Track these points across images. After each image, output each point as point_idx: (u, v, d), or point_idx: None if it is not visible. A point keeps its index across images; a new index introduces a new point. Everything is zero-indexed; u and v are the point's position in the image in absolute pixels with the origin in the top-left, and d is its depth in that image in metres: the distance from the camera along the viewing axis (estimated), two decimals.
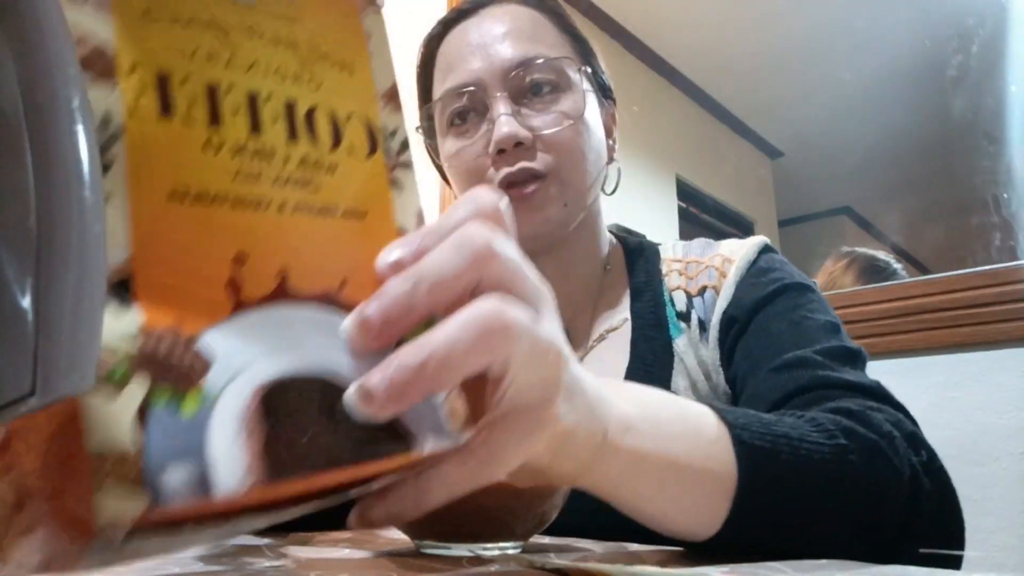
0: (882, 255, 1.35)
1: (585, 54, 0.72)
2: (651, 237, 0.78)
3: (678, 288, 0.68)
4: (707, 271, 0.68)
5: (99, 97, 0.20)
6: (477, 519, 0.38)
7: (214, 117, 0.24)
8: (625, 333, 0.69)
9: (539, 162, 0.65)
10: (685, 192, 2.42)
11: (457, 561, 0.35)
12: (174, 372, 0.21)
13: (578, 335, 0.70)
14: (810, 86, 1.95)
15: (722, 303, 0.64)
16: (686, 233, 2.23)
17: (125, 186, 0.20)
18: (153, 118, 0.22)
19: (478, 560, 0.36)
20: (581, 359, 0.67)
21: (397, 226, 0.29)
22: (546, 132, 0.65)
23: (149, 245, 0.20)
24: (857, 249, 1.39)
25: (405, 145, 0.30)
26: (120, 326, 0.19)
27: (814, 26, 1.88)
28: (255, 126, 0.25)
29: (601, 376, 0.64)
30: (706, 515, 0.36)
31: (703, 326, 0.65)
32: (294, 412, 0.23)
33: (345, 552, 0.38)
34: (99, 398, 0.19)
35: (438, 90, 0.70)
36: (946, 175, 1.43)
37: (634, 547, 0.45)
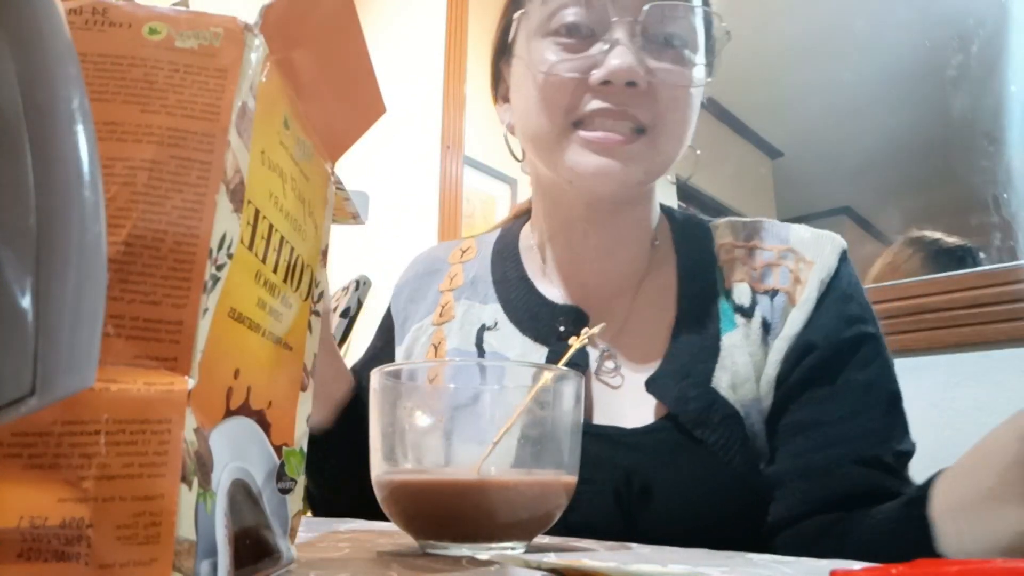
0: (954, 239, 1.31)
1: (708, 13, 0.62)
2: None
3: (741, 281, 0.62)
4: (779, 270, 0.61)
5: (231, 223, 0.24)
6: (481, 519, 0.38)
7: (265, 252, 0.28)
8: (667, 316, 0.62)
9: (644, 111, 0.56)
10: (685, 192, 2.42)
11: (458, 561, 0.35)
12: (206, 469, 0.23)
13: (614, 319, 0.63)
14: (810, 86, 1.95)
15: (798, 317, 0.58)
16: None
17: (217, 301, 0.24)
18: (244, 246, 0.26)
19: (479, 560, 0.36)
20: (613, 341, 0.62)
21: (305, 363, 0.33)
22: (665, 82, 0.56)
23: (206, 352, 0.23)
24: (926, 233, 1.34)
25: (319, 297, 0.35)
26: (188, 422, 0.22)
27: (814, 26, 1.88)
28: (276, 264, 0.29)
29: (638, 366, 0.62)
30: None
31: (767, 327, 0.59)
32: (241, 511, 0.26)
33: (345, 552, 0.38)
34: (185, 491, 0.21)
35: None
36: (946, 175, 1.43)
37: (634, 547, 0.45)
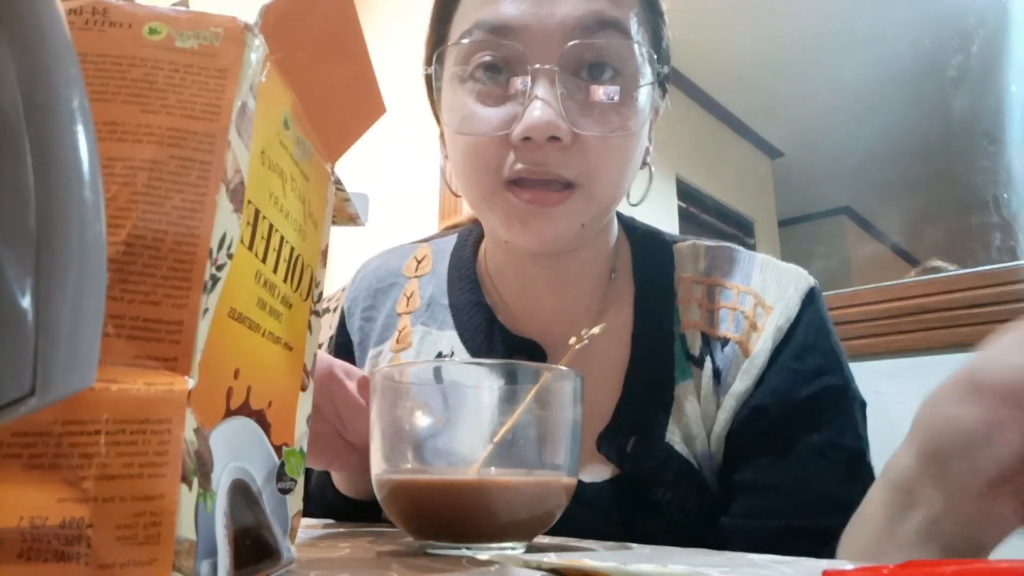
0: (953, 268, 1.32)
1: (655, 25, 0.57)
2: None
3: (694, 327, 0.58)
4: (734, 315, 0.57)
5: (231, 223, 0.24)
6: (481, 519, 0.38)
7: (265, 252, 0.28)
8: (621, 358, 0.59)
9: (571, 169, 0.52)
10: (685, 192, 2.42)
11: (458, 561, 0.35)
12: (206, 469, 0.23)
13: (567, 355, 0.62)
14: (810, 86, 1.95)
15: (751, 372, 0.54)
16: (686, 233, 2.21)
17: (217, 301, 0.23)
18: (244, 246, 0.25)
19: (479, 560, 0.35)
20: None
21: (305, 362, 0.33)
22: (591, 135, 0.51)
23: (205, 352, 0.23)
24: (942, 264, 1.36)
25: (319, 297, 0.35)
26: (189, 422, 0.22)
27: (814, 26, 1.88)
28: (276, 264, 0.29)
29: (591, 411, 0.58)
30: None
31: (718, 377, 0.55)
32: (241, 511, 0.26)
33: (346, 552, 0.38)
34: (185, 491, 0.21)
35: (462, 25, 0.55)
36: (946, 175, 1.43)
37: (634, 547, 0.45)
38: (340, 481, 0.61)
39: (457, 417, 0.42)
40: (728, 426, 0.55)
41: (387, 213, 2.13)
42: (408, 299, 0.70)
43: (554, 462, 0.41)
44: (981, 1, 1.40)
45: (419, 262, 0.72)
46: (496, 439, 0.40)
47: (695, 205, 2.44)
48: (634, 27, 0.54)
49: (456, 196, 0.67)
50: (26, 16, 0.15)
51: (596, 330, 0.50)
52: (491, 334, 0.63)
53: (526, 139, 0.51)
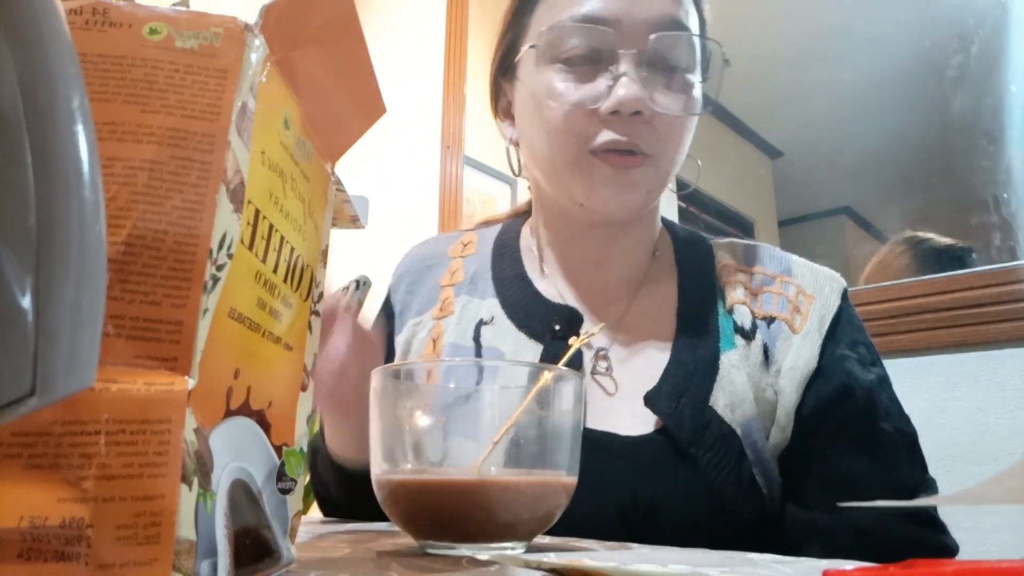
0: (946, 240, 1.31)
1: (703, 31, 0.65)
2: None
3: (742, 303, 0.63)
4: (778, 299, 0.63)
5: (231, 223, 0.24)
6: (481, 519, 0.38)
7: (265, 252, 0.28)
8: (667, 328, 0.64)
9: (647, 142, 0.59)
10: (685, 192, 2.42)
11: (458, 561, 0.35)
12: (206, 469, 0.23)
13: (609, 323, 0.64)
14: (810, 86, 1.95)
15: (807, 348, 0.59)
16: None
17: (217, 302, 0.24)
18: (244, 246, 0.26)
19: (479, 560, 0.36)
20: (607, 350, 0.63)
21: (305, 363, 0.33)
22: (667, 114, 0.59)
23: (205, 352, 0.23)
24: (918, 233, 1.35)
25: (319, 297, 0.35)
26: (189, 422, 0.22)
27: (814, 26, 1.88)
28: (276, 264, 0.29)
29: (634, 375, 0.62)
30: None
31: (767, 352, 0.60)
32: (241, 511, 0.26)
33: (346, 552, 0.38)
34: (185, 491, 0.21)
35: (549, 17, 0.62)
36: (946, 175, 1.43)
37: (634, 547, 0.45)
38: (332, 437, 0.63)
39: (457, 417, 0.42)
40: (796, 397, 0.58)
41: (387, 215, 2.12)
42: (452, 274, 0.74)
43: (554, 462, 0.41)
44: (981, 1, 1.40)
45: (465, 245, 0.77)
46: (496, 439, 0.40)
47: (695, 205, 2.44)
48: (693, 24, 0.62)
49: (515, 175, 0.73)
50: (26, 16, 0.15)
51: (596, 330, 0.52)
52: (530, 301, 0.67)
53: (614, 112, 0.58)
